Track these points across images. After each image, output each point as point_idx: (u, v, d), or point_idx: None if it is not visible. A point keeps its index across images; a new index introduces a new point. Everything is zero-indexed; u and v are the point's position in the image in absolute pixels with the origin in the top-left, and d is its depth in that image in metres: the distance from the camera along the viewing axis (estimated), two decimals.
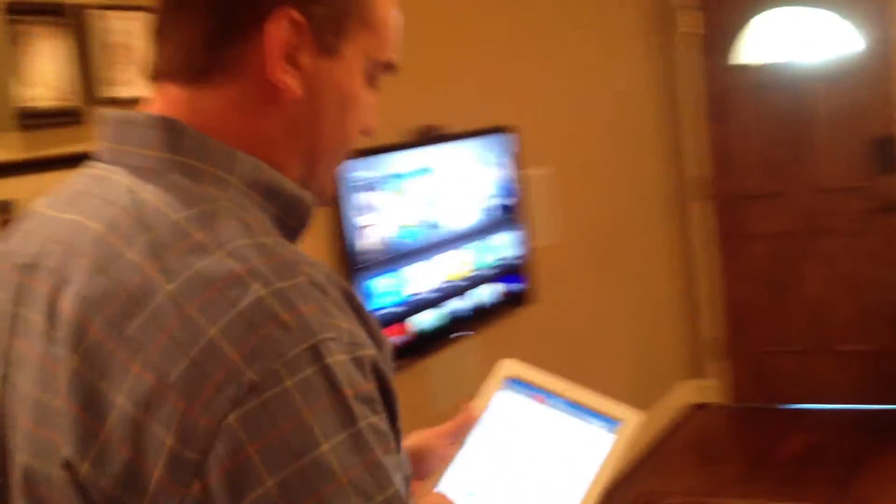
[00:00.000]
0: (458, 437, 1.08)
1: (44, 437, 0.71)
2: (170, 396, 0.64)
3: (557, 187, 3.69)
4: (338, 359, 0.65)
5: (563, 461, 1.07)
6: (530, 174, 3.48)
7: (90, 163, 0.81)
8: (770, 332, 4.69)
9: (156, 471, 0.64)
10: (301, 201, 0.80)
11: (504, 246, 3.23)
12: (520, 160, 3.35)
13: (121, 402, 0.66)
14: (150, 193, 0.73)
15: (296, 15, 0.75)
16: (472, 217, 3.07)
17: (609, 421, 1.08)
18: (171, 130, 0.76)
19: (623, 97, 4.40)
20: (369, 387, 0.67)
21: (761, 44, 4.50)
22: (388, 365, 0.71)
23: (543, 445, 1.09)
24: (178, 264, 0.68)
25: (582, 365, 3.80)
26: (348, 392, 0.65)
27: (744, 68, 4.57)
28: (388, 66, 0.85)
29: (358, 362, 0.67)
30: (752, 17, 4.50)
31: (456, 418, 1.10)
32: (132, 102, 0.94)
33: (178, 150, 0.75)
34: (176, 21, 0.77)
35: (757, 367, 4.75)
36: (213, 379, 0.63)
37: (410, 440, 1.03)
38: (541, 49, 3.72)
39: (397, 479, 0.67)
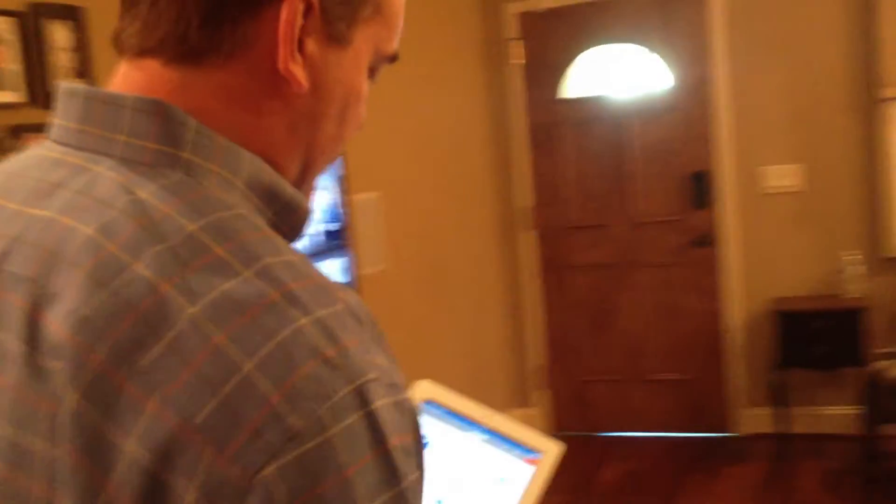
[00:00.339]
0: None
1: (21, 487, 0.58)
2: (195, 442, 0.52)
3: (385, 213, 3.62)
4: (381, 403, 0.56)
5: (480, 491, 1.02)
6: (357, 199, 3.39)
7: (47, 144, 0.67)
8: (589, 362, 4.79)
9: None
10: (299, 207, 0.69)
11: (330, 273, 3.11)
12: (346, 185, 3.25)
13: (131, 448, 0.53)
14: (152, 195, 0.61)
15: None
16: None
17: (528, 451, 1.03)
18: (169, 119, 0.63)
19: (454, 126, 4.40)
20: (412, 437, 0.58)
21: (584, 79, 4.63)
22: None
23: (460, 474, 1.03)
24: (200, 284, 0.56)
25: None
26: (394, 443, 0.56)
27: (567, 102, 4.68)
28: (392, 58, 0.75)
29: (400, 408, 0.57)
30: (575, 52, 4.62)
31: None
32: None
33: (179, 143, 0.63)
34: None
35: (577, 395, 4.84)
36: (250, 423, 0.52)
37: None
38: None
39: None
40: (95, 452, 0.54)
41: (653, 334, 4.68)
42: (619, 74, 4.59)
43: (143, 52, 0.66)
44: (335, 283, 0.61)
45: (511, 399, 4.90)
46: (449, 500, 1.03)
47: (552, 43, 4.67)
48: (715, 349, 4.58)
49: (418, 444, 0.59)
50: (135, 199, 0.60)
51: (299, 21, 0.65)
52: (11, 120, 2.13)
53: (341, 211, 3.20)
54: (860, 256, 4.21)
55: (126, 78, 0.67)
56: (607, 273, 4.74)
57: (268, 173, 0.67)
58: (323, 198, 3.10)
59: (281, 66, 0.65)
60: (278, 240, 0.62)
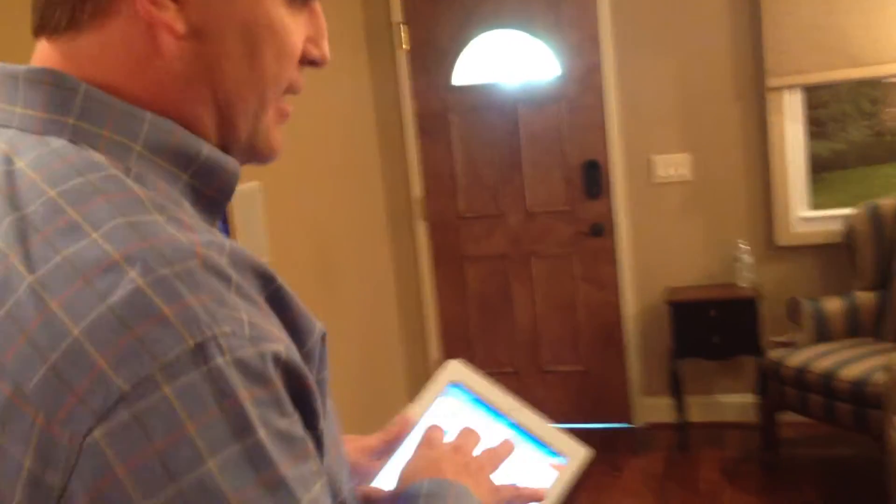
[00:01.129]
0: (386, 451, 0.98)
1: None
2: (27, 409, 0.54)
3: (267, 204, 3.38)
4: (234, 357, 0.55)
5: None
6: (238, 190, 3.15)
7: None
8: (485, 354, 4.66)
9: (14, 498, 0.54)
10: (221, 168, 0.68)
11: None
12: None
13: None
14: (29, 163, 0.62)
15: None
16: None
17: (554, 454, 1.00)
18: (58, 87, 0.64)
19: (340, 113, 4.19)
20: (274, 387, 0.57)
21: (473, 66, 4.48)
22: (310, 358, 0.63)
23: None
24: (45, 249, 0.57)
25: None
26: (244, 396, 0.54)
27: (456, 89, 4.53)
28: None
29: (254, 360, 0.56)
30: (463, 38, 4.47)
31: (388, 429, 0.99)
32: None
33: (67, 110, 0.63)
34: None
35: None
36: (76, 388, 0.53)
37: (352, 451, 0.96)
38: None
39: (314, 490, 0.57)
40: None
41: (549, 325, 4.59)
42: (508, 62, 4.47)
43: (36, 32, 0.67)
44: (207, 239, 0.59)
45: (409, 391, 4.75)
46: None
47: (440, 28, 4.51)
48: (612, 339, 4.52)
49: (292, 392, 0.58)
50: (10, 169, 0.61)
51: None
52: None
53: None
54: (750, 245, 4.21)
55: (33, 60, 0.68)
56: (501, 264, 4.62)
57: (175, 134, 0.65)
58: None
59: (143, 15, 0.63)
60: (150, 199, 0.60)
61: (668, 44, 4.27)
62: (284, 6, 0.68)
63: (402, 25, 4.52)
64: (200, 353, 0.54)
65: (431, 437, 0.93)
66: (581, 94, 4.40)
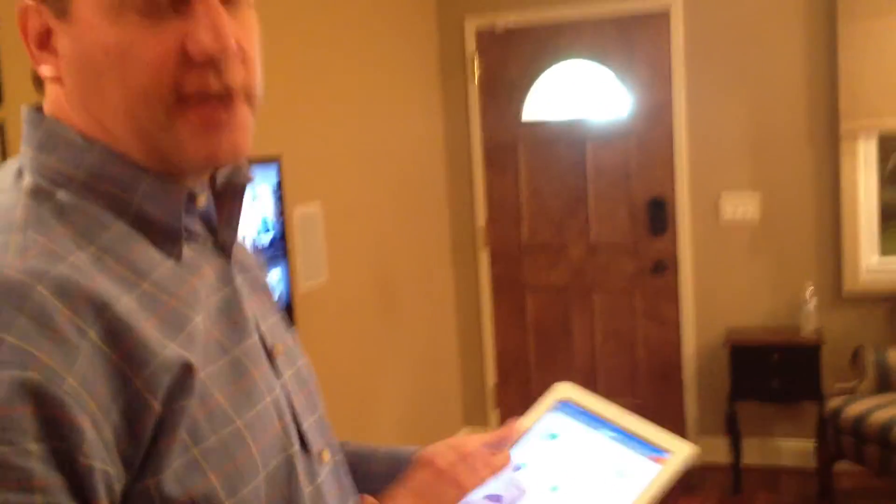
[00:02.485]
0: (499, 447, 1.06)
1: None
2: None
3: (328, 225, 3.48)
4: None
5: (604, 487, 1.03)
6: (299, 210, 3.25)
7: None
8: (540, 384, 4.63)
9: None
10: (164, 193, 0.76)
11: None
12: (287, 195, 3.11)
13: None
14: None
15: (30, 2, 0.74)
16: None
17: (655, 450, 1.04)
18: (30, 124, 0.78)
19: (408, 140, 4.28)
20: (2, 410, 0.59)
21: (543, 99, 4.54)
22: (153, 386, 0.67)
23: (586, 469, 1.05)
24: None
25: (357, 410, 3.59)
26: None
27: (525, 121, 4.59)
28: None
29: (3, 382, 0.59)
30: (534, 72, 4.53)
31: (500, 429, 1.08)
32: None
33: (29, 142, 0.76)
34: None
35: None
36: None
37: (451, 440, 1.05)
38: (322, 80, 3.53)
39: None
40: None
41: (607, 359, 4.58)
42: (578, 96, 4.51)
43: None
44: (29, 265, 0.65)
45: (465, 417, 4.79)
46: (564, 487, 1.04)
47: (511, 62, 4.58)
48: (670, 376, 4.48)
49: (42, 420, 0.60)
50: None
51: (35, 24, 0.74)
52: None
53: (281, 222, 3.05)
54: (816, 290, 4.14)
55: None
56: (562, 295, 4.64)
57: (116, 166, 0.75)
58: (262, 207, 2.96)
59: (33, 64, 0.76)
60: (29, 221, 0.69)
61: (740, 82, 4.25)
62: (134, 23, 0.71)
63: (475, 58, 4.61)
64: None
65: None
66: (650, 130, 4.41)
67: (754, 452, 4.29)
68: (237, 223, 0.84)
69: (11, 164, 0.77)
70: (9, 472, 0.59)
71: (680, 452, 1.03)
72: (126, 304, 0.69)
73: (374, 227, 3.92)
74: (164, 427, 0.68)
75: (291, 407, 0.83)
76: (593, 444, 1.07)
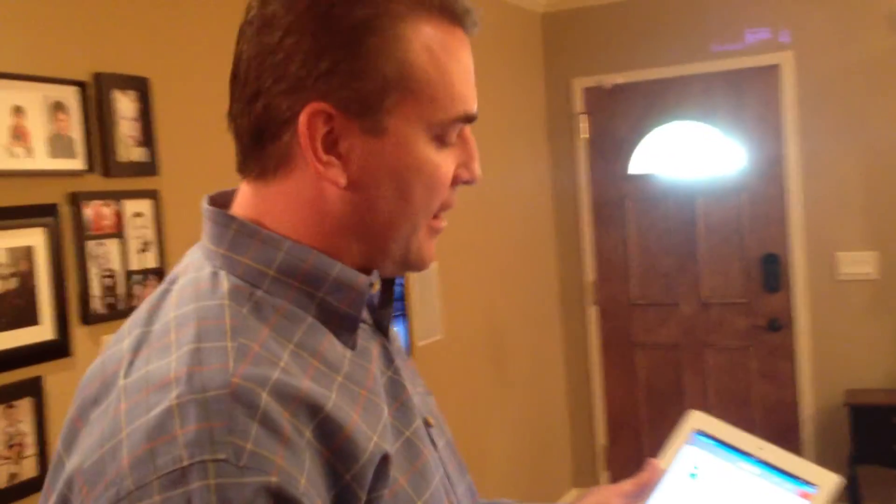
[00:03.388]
0: (640, 495, 1.04)
1: None
2: (79, 480, 0.69)
3: (443, 283, 3.56)
4: (217, 482, 0.64)
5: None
6: None
7: None
8: (652, 444, 4.61)
9: None
10: (348, 286, 0.79)
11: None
12: None
13: (63, 475, 0.72)
14: (179, 285, 0.79)
15: (324, 107, 0.76)
16: None
17: (803, 484, 0.98)
18: (218, 224, 0.81)
19: (518, 197, 4.35)
20: None
21: (651, 155, 4.55)
22: (360, 479, 0.71)
23: None
24: (143, 360, 0.72)
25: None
26: None
27: (633, 177, 4.60)
28: (464, 120, 0.82)
29: (243, 487, 0.64)
30: (643, 128, 4.55)
31: (639, 475, 1.06)
32: None
33: (221, 242, 0.80)
34: (234, 118, 0.82)
35: None
36: (107, 476, 0.66)
37: (589, 498, 1.05)
38: None
39: None
40: (53, 474, 0.74)
41: (721, 418, 4.48)
42: (688, 153, 4.50)
43: (239, 174, 0.84)
44: (256, 372, 0.69)
45: (574, 476, 4.76)
46: None
47: (619, 118, 4.61)
48: (788, 438, 4.37)
49: None
50: (167, 288, 0.80)
51: (321, 128, 0.76)
52: (71, 187, 2.13)
53: (397, 280, 3.14)
54: None
55: (238, 192, 0.85)
56: (673, 353, 4.59)
57: (310, 260, 0.78)
58: None
59: (314, 171, 0.77)
60: (238, 327, 0.73)
61: (855, 135, 4.18)
62: (431, 146, 0.80)
63: (582, 115, 4.66)
64: (188, 473, 0.64)
65: None
66: (763, 185, 4.37)
67: None
68: (392, 303, 0.89)
69: (202, 265, 0.80)
70: None
71: (827, 485, 0.98)
72: (334, 402, 0.72)
73: (486, 285, 3.98)
74: None
75: (448, 478, 0.87)
76: (736, 480, 1.02)
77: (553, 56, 4.71)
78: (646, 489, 1.05)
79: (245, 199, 0.83)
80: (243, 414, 0.66)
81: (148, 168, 2.30)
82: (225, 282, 0.77)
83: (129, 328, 0.78)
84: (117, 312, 2.20)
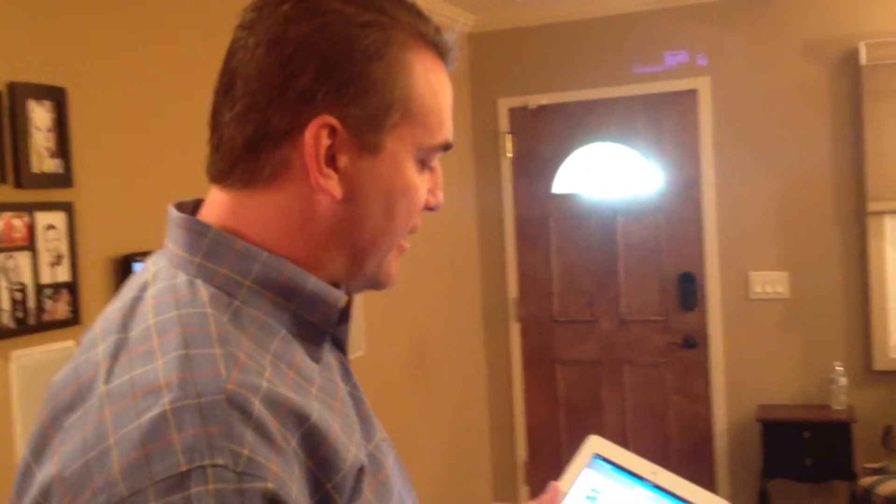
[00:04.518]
0: None
1: None
2: (60, 489, 0.67)
3: (365, 299, 3.57)
4: (216, 487, 0.64)
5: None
6: None
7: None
8: (568, 459, 4.67)
9: None
10: (322, 300, 0.81)
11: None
12: None
13: (34, 484, 0.70)
14: (154, 293, 0.77)
15: (332, 120, 0.78)
16: None
17: None
18: (193, 232, 0.80)
19: (442, 215, 4.38)
20: None
21: (574, 176, 4.64)
22: (340, 489, 0.72)
23: None
24: (124, 367, 0.71)
25: None
26: None
27: (556, 197, 4.68)
28: (444, 147, 0.86)
29: (239, 493, 0.64)
30: (566, 149, 4.64)
31: (540, 497, 1.09)
32: None
33: (196, 251, 0.79)
34: (220, 127, 0.81)
35: None
36: (94, 484, 0.65)
37: None
38: None
39: None
40: (22, 483, 0.72)
41: (638, 434, 4.59)
42: (609, 173, 4.61)
43: (212, 181, 0.83)
44: (246, 381, 0.69)
45: (495, 490, 4.79)
46: None
47: (543, 138, 4.70)
48: (701, 453, 4.49)
49: None
50: (140, 295, 0.78)
51: (325, 142, 0.78)
52: None
53: None
54: (846, 367, 4.15)
55: (205, 202, 0.84)
56: (593, 369, 4.67)
57: (286, 273, 0.79)
58: None
59: (313, 183, 0.78)
60: (222, 335, 0.72)
61: (767, 160, 4.33)
62: (416, 169, 0.84)
63: (507, 135, 4.73)
64: (185, 479, 0.63)
65: None
66: (680, 207, 4.49)
67: None
68: (349, 319, 0.91)
69: (174, 273, 0.79)
70: None
71: None
72: (318, 412, 0.74)
73: (410, 301, 4.00)
74: None
75: (400, 494, 0.89)
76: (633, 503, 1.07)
77: (479, 76, 4.78)
78: None
79: (220, 208, 0.82)
80: (238, 420, 0.67)
81: (62, 180, 2.28)
82: (203, 290, 0.76)
83: (103, 335, 0.77)
84: (27, 327, 2.16)
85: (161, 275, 0.80)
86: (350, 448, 0.76)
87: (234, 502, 0.64)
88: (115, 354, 0.73)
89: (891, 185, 4.07)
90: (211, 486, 0.63)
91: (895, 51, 4.05)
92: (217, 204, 0.82)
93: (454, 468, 4.39)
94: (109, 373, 0.71)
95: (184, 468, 0.64)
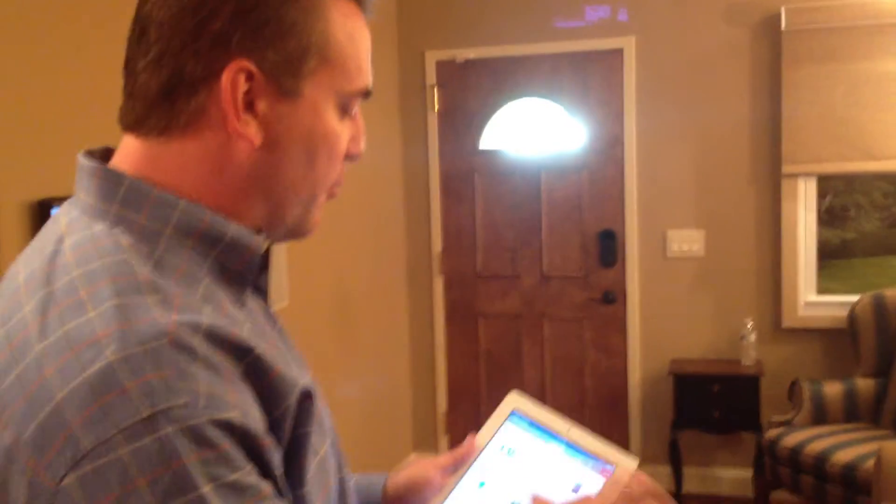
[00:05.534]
0: (456, 468, 1.12)
1: None
2: (23, 453, 0.67)
3: (289, 249, 3.55)
4: (184, 426, 0.65)
5: (556, 497, 1.06)
6: None
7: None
8: (490, 410, 4.74)
9: None
10: (244, 246, 0.81)
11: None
12: None
13: None
14: (71, 244, 0.76)
15: (248, 65, 0.77)
16: None
17: (603, 464, 1.11)
18: (107, 180, 0.78)
19: (368, 167, 4.37)
20: (222, 448, 0.67)
21: (500, 131, 4.66)
22: (285, 417, 0.74)
23: (545, 485, 1.09)
24: (56, 321, 0.70)
25: None
26: (190, 458, 0.65)
27: (482, 152, 4.70)
28: (363, 94, 0.85)
29: (212, 425, 0.66)
30: (492, 104, 4.66)
31: (457, 450, 1.13)
32: None
33: (112, 199, 0.77)
34: (134, 74, 0.79)
35: None
36: (57, 442, 0.65)
37: (408, 470, 1.12)
38: None
39: None
40: None
41: (556, 386, 4.69)
42: (534, 130, 4.64)
43: (126, 129, 0.81)
44: (187, 319, 0.70)
45: (415, 440, 4.86)
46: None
47: (470, 93, 4.70)
48: (616, 405, 4.61)
49: (226, 454, 0.67)
50: (58, 248, 0.76)
51: (242, 87, 0.77)
52: None
53: None
54: (756, 324, 4.31)
55: (118, 150, 0.82)
56: (514, 323, 4.75)
57: (206, 220, 0.78)
58: None
59: (230, 129, 0.78)
60: (151, 282, 0.72)
61: (688, 122, 4.42)
62: (336, 116, 0.83)
63: (434, 88, 4.72)
64: (152, 422, 0.64)
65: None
66: (603, 165, 4.56)
67: (695, 481, 4.43)
68: (269, 266, 0.90)
69: (89, 223, 0.78)
70: (247, 489, 0.67)
71: (623, 465, 1.10)
72: (259, 345, 0.74)
73: (334, 252, 4.00)
74: (295, 450, 0.77)
75: (332, 429, 0.92)
76: (549, 458, 1.13)
77: (406, 27, 4.74)
78: (462, 463, 1.12)
79: (133, 157, 0.80)
80: (186, 360, 0.68)
81: None
82: (122, 238, 0.76)
83: (28, 294, 0.75)
84: None
85: (75, 225, 0.78)
86: (294, 376, 0.77)
87: (208, 435, 0.66)
88: (44, 311, 0.72)
89: (805, 148, 4.20)
90: (178, 426, 0.65)
91: (816, 16, 4.15)
92: (131, 152, 0.80)
93: (375, 418, 4.43)
94: (42, 330, 0.70)
95: (146, 413, 0.64)
